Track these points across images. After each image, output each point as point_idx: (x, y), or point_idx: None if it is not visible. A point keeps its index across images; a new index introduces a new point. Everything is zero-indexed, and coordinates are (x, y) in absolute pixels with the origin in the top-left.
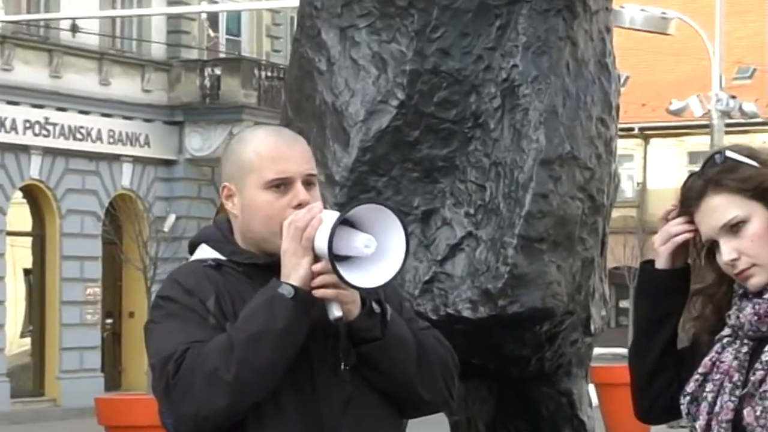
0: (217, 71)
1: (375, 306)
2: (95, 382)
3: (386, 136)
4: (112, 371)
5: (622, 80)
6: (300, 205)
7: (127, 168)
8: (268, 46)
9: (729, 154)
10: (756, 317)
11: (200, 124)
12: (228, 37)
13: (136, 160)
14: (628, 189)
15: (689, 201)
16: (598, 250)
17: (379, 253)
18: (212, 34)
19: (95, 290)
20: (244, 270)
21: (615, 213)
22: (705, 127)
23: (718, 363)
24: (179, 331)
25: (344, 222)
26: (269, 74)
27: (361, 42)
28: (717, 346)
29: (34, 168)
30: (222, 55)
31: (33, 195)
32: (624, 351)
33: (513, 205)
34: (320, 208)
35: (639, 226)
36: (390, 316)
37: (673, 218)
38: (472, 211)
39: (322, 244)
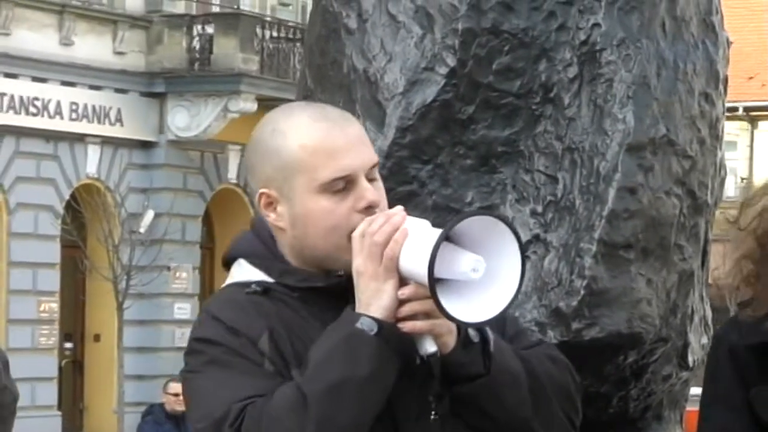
0: (209, 29)
1: (472, 333)
2: (50, 423)
3: (432, 113)
4: (72, 409)
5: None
6: (370, 208)
7: (93, 151)
8: None
9: None
10: None
11: (187, 97)
12: None
13: (105, 141)
14: (729, 185)
15: None
16: (698, 261)
17: (487, 278)
18: None
19: (51, 306)
20: (300, 295)
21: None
22: None
23: None
24: (227, 385)
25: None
26: (275, 34)
27: None
28: None
29: None
30: (215, 9)
31: None
32: None
33: (592, 202)
34: (403, 216)
35: None
36: (494, 346)
37: None
38: (540, 209)
39: (414, 267)
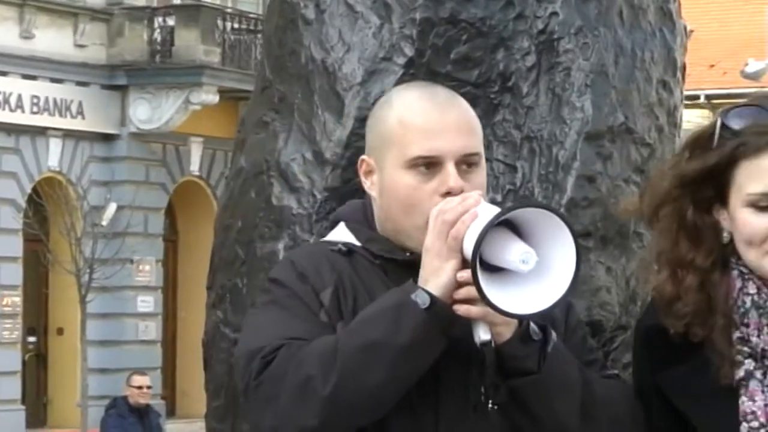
0: (170, 21)
1: (535, 330)
2: (14, 417)
3: None
4: (36, 403)
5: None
6: (450, 194)
7: (55, 145)
8: None
9: None
10: None
11: (148, 89)
12: None
13: (66, 134)
14: None
15: (761, 135)
16: None
17: (540, 270)
18: None
19: (14, 300)
20: (381, 263)
21: None
22: None
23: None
24: (278, 323)
25: (504, 223)
26: (236, 25)
27: None
28: (753, 386)
29: None
30: (176, 1)
31: None
32: None
33: (551, 190)
34: (477, 200)
35: None
36: (553, 347)
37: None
38: (499, 198)
39: (470, 247)
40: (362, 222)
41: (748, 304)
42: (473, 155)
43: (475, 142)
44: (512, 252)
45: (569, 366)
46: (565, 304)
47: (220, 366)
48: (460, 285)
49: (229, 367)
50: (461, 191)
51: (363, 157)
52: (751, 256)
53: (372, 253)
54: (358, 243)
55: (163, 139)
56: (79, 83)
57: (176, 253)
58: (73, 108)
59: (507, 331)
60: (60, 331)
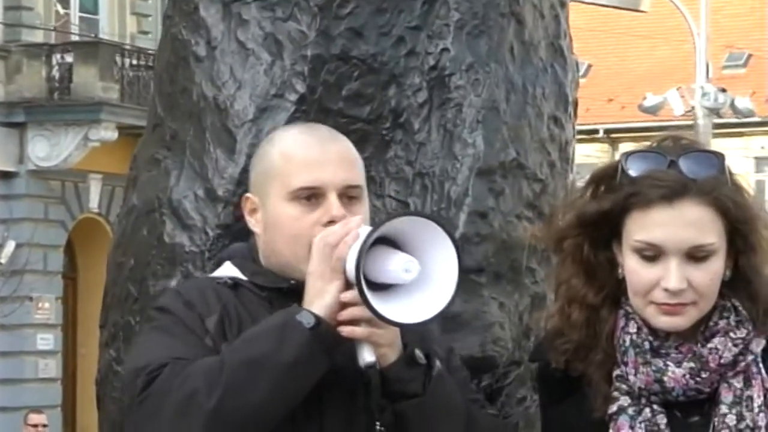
0: (69, 58)
1: (419, 355)
2: None
3: None
4: None
5: (582, 69)
6: (332, 223)
7: None
8: (133, 27)
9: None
10: (694, 376)
11: (47, 126)
12: (82, 14)
13: None
14: None
15: (652, 188)
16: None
17: (424, 279)
18: (62, 11)
19: None
20: (267, 295)
21: None
22: (688, 129)
23: None
24: (164, 345)
25: (384, 240)
26: (134, 62)
27: (250, 20)
28: (622, 420)
29: None
30: (75, 38)
31: None
32: None
33: None
34: (359, 223)
35: None
36: (437, 372)
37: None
38: None
39: (352, 267)
40: (247, 258)
41: (628, 342)
42: (355, 188)
43: (357, 176)
44: (394, 263)
45: (453, 391)
46: (446, 347)
47: (113, 405)
48: (343, 306)
49: (122, 406)
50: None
51: (247, 195)
52: (635, 302)
53: (257, 286)
54: (244, 277)
55: (62, 176)
56: None
57: (76, 290)
58: None
59: (392, 353)
60: None
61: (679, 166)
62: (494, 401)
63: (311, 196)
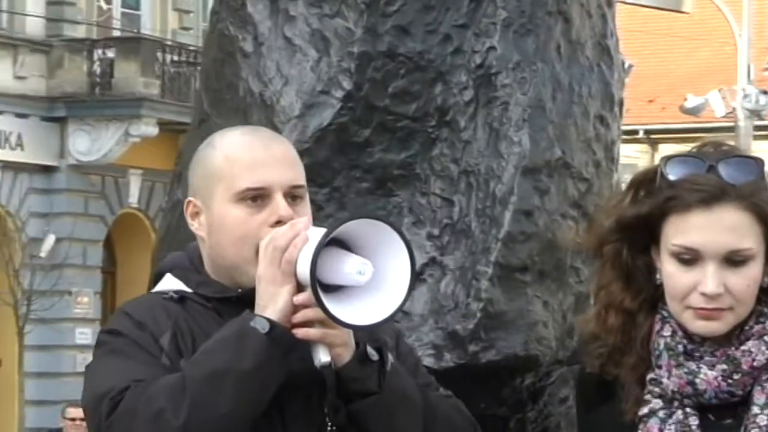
0: (110, 54)
1: (371, 352)
2: None
3: (328, 136)
4: None
5: (625, 68)
6: (280, 223)
7: None
8: (174, 23)
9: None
10: (726, 378)
11: (88, 121)
12: (124, 10)
13: (5, 166)
14: None
15: (691, 192)
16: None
17: (377, 281)
18: (104, 6)
19: None
20: (214, 306)
21: None
22: (729, 130)
23: None
24: (122, 369)
25: (335, 242)
26: (176, 58)
27: (298, 16)
28: (652, 423)
29: None
30: (116, 34)
31: None
32: None
33: (488, 224)
34: (306, 224)
35: None
36: (391, 367)
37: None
38: (436, 231)
39: (304, 269)
40: (189, 269)
41: (662, 346)
42: (299, 187)
43: (300, 175)
44: (348, 265)
45: (408, 384)
46: (394, 333)
47: None
48: (296, 309)
49: None
50: (291, 219)
51: (189, 198)
52: (673, 307)
53: (204, 297)
54: (188, 289)
55: (102, 171)
56: (19, 115)
57: (114, 284)
58: (12, 140)
59: (346, 353)
60: None
61: (718, 171)
62: (537, 400)
63: (257, 197)
